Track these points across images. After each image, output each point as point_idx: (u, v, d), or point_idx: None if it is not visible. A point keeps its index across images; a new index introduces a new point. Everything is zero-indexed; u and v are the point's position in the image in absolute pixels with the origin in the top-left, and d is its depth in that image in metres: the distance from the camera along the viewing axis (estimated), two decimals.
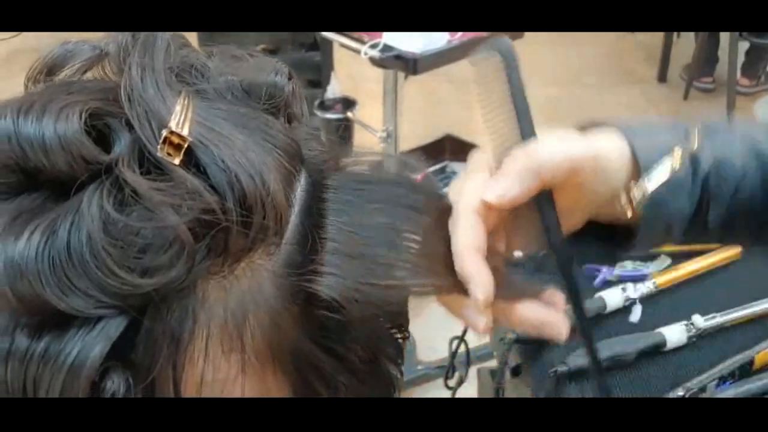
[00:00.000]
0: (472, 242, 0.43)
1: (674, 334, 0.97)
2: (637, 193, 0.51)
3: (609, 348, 0.94)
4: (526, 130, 0.45)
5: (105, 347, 0.32)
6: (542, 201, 0.46)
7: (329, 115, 2.31)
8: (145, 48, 0.37)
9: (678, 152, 0.52)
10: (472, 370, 1.23)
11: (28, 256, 0.31)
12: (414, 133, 2.62)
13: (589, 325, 0.49)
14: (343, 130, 2.26)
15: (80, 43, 0.39)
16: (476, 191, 0.45)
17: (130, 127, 0.34)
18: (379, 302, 0.38)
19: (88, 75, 0.38)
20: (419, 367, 2.00)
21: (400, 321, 0.43)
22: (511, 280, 0.47)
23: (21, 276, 0.31)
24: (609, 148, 0.50)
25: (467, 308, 0.44)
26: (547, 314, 0.47)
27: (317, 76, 2.59)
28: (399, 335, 0.43)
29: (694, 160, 0.52)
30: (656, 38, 3.57)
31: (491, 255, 0.45)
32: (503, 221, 0.47)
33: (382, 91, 2.04)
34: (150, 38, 0.38)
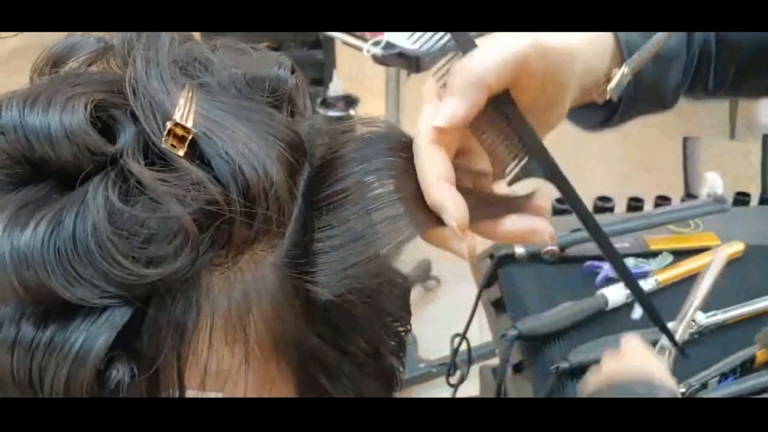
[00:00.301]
0: (436, 173, 0.42)
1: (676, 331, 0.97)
2: (615, 79, 0.48)
3: (610, 345, 0.94)
4: (464, 45, 0.44)
5: (110, 337, 0.32)
6: (502, 105, 0.44)
7: (331, 113, 2.31)
8: (150, 41, 0.37)
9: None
10: (474, 368, 1.24)
11: (33, 246, 0.31)
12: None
13: (590, 215, 0.47)
14: None
15: (85, 36, 0.39)
16: (428, 121, 0.44)
17: (134, 119, 0.35)
18: (369, 277, 0.38)
19: (93, 68, 0.39)
20: (421, 365, 2.00)
21: (402, 313, 0.43)
22: (493, 196, 0.46)
23: (27, 266, 0.31)
24: (566, 34, 0.48)
25: (448, 238, 0.43)
26: (530, 223, 0.45)
27: (319, 73, 2.58)
28: (401, 328, 0.43)
29: None
30: None
31: (468, 175, 0.44)
32: (474, 137, 0.46)
33: (384, 89, 2.04)
34: (154, 32, 0.38)
